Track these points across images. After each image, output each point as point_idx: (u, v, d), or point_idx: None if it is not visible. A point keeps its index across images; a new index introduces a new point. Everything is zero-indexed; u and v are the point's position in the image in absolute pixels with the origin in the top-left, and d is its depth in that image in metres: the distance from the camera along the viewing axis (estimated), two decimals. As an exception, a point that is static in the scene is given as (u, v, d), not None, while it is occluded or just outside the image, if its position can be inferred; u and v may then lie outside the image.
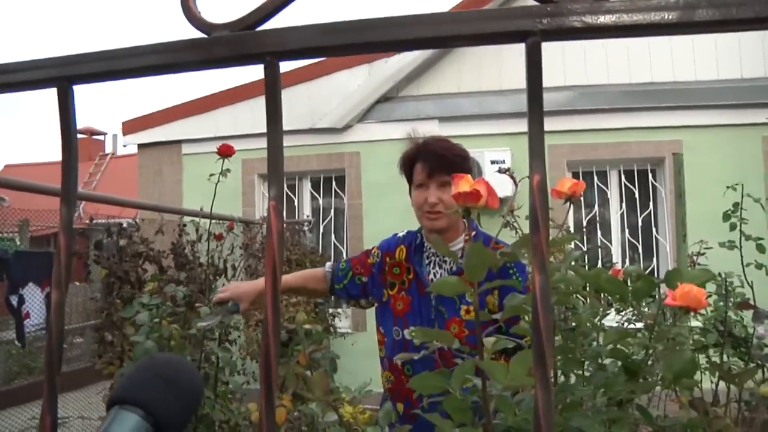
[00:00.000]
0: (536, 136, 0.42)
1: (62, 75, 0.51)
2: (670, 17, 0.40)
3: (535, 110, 0.42)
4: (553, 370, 1.13)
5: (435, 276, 1.83)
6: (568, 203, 1.09)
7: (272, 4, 0.45)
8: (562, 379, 1.01)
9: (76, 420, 4.25)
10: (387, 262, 1.92)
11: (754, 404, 0.96)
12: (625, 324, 2.32)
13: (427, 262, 1.87)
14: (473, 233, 1.80)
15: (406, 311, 1.84)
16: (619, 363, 0.99)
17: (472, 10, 0.42)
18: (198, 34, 0.47)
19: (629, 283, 1.07)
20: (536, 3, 0.42)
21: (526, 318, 0.88)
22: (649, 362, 1.00)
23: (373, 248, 2.00)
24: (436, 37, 0.43)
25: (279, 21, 0.48)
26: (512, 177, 0.88)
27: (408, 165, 1.85)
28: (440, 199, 1.74)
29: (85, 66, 0.50)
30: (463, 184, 0.69)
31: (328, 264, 2.06)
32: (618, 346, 1.02)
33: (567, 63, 6.21)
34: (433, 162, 1.75)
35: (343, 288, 1.99)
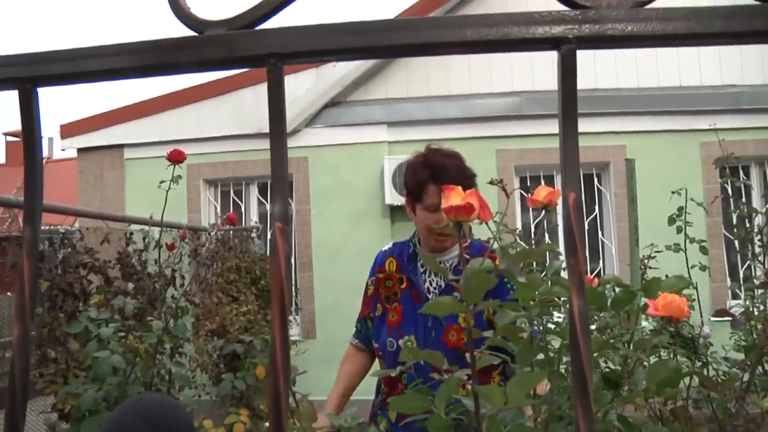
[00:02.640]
0: (571, 149, 0.39)
1: (25, 75, 0.44)
2: (714, 27, 0.38)
3: (570, 121, 0.39)
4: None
5: (431, 285, 1.81)
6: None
7: (275, 0, 0.40)
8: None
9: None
10: (379, 279, 1.88)
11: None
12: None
13: (422, 270, 1.83)
14: (468, 242, 1.79)
15: (399, 321, 1.80)
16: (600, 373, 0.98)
17: (498, 13, 0.38)
18: (188, 32, 0.42)
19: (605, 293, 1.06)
20: (566, 8, 0.39)
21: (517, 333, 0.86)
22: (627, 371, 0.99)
23: (366, 282, 1.95)
24: (458, 41, 0.39)
25: (277, 21, 0.43)
26: (504, 188, 0.86)
27: (418, 184, 1.79)
28: None
29: (52, 66, 0.44)
30: (455, 197, 0.66)
31: (351, 338, 1.99)
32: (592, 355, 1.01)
33: (514, 68, 6.31)
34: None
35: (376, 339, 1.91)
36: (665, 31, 0.38)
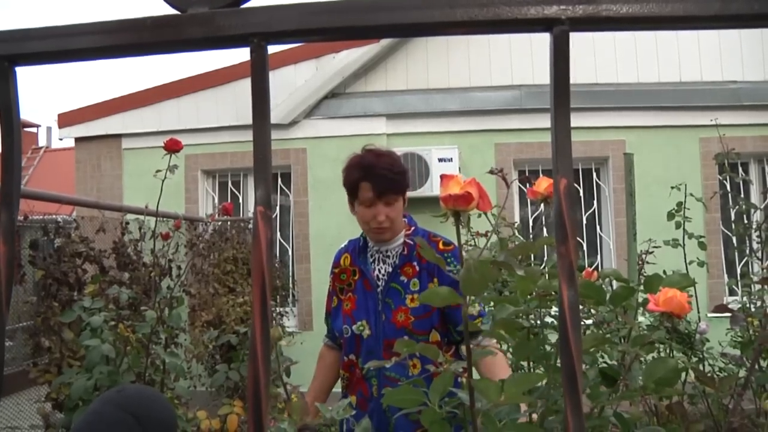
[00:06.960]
0: (563, 134, 0.37)
1: (2, 53, 0.43)
2: (711, 10, 0.36)
3: (562, 106, 0.37)
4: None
5: (379, 272, 1.96)
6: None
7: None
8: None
9: (5, 430, 4.00)
10: (336, 273, 2.04)
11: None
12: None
13: (371, 260, 1.99)
14: (412, 228, 1.97)
15: (353, 309, 1.95)
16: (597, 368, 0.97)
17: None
18: (170, 11, 0.40)
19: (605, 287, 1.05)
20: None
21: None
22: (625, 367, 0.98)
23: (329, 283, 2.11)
24: (447, 22, 0.38)
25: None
26: (504, 178, 0.85)
27: (353, 184, 1.93)
28: (388, 216, 1.89)
29: (31, 44, 0.43)
30: (453, 185, 0.64)
31: (324, 337, 2.15)
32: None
33: (514, 62, 6.29)
34: (382, 185, 1.87)
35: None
36: (662, 13, 0.37)
